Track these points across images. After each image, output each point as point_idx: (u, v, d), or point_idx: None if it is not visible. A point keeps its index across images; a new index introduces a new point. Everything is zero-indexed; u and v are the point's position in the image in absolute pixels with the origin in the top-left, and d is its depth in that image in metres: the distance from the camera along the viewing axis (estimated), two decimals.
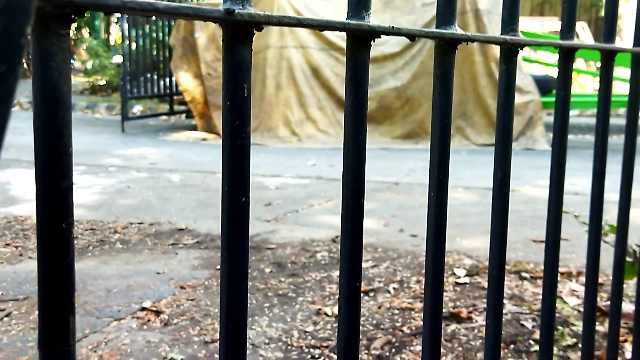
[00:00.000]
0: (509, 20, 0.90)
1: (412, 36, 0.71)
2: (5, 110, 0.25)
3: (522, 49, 0.92)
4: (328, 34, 7.36)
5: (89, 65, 12.19)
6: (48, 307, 0.42)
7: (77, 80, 13.33)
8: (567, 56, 1.05)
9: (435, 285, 0.81)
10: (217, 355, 2.09)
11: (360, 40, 0.65)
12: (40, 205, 0.42)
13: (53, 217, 0.41)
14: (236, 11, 0.50)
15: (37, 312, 1.96)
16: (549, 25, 13.24)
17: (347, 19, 0.64)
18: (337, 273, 2.85)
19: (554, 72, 9.60)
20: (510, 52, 0.89)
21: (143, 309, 2.44)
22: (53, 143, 0.41)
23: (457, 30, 0.76)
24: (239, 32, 0.52)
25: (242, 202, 0.54)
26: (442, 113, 0.79)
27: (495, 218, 0.95)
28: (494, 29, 7.21)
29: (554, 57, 10.33)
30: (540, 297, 2.57)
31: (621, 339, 2.19)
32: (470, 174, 5.25)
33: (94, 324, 2.31)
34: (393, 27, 0.66)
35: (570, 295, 2.60)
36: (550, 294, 1.16)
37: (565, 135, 1.09)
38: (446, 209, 0.83)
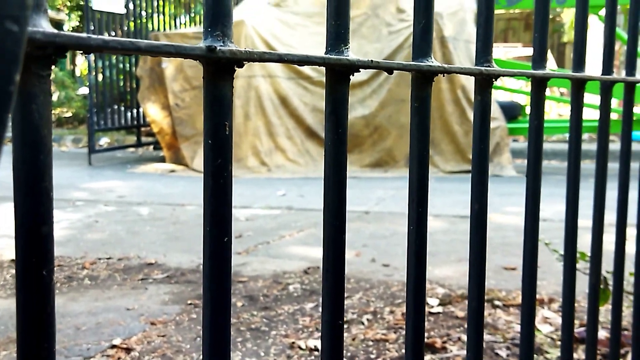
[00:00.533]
0: (483, 52, 0.90)
1: (390, 70, 0.71)
2: None
3: (496, 80, 0.93)
4: None
5: (54, 97, 12.09)
6: (29, 357, 0.40)
7: None
8: (539, 85, 1.06)
9: (416, 318, 0.80)
10: None
11: (339, 75, 0.65)
12: (20, 251, 0.40)
13: (33, 263, 0.40)
14: (218, 48, 0.50)
15: (8, 350, 1.90)
16: (513, 51, 13.46)
17: (326, 53, 0.64)
18: (310, 305, 2.83)
19: (519, 98, 9.74)
20: (485, 82, 0.90)
21: (113, 346, 2.40)
22: (34, 187, 0.39)
23: (433, 62, 0.77)
24: (220, 69, 0.51)
25: (225, 242, 0.53)
26: (420, 145, 0.79)
27: (473, 249, 0.95)
28: (459, 55, 7.31)
29: (518, 83, 10.49)
30: (514, 325, 2.58)
31: None
32: (440, 202, 5.28)
33: None
34: (372, 60, 0.66)
35: (543, 323, 2.61)
36: (528, 322, 1.16)
37: (539, 164, 1.10)
38: (426, 242, 0.83)
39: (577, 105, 1.21)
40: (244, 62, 0.52)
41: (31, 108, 0.39)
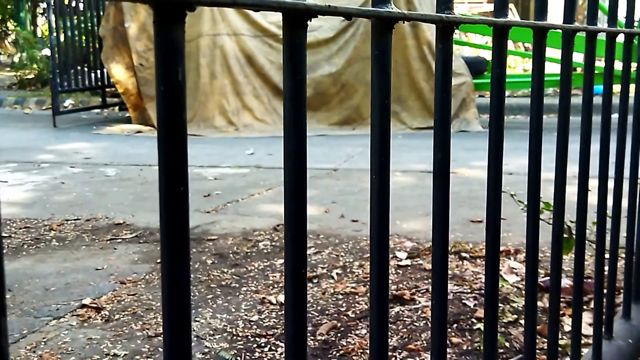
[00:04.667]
0: None
1: (349, 15, 0.69)
2: None
3: (457, 28, 0.91)
4: (261, 20, 7.30)
5: (16, 58, 11.83)
6: None
7: (4, 75, 12.94)
8: (501, 34, 1.05)
9: (380, 268, 0.80)
10: (161, 349, 2.05)
11: (296, 20, 0.63)
12: None
13: None
14: None
15: None
16: (478, 7, 13.44)
17: None
18: (281, 261, 2.84)
19: (484, 54, 9.75)
20: (446, 30, 0.89)
21: (83, 306, 2.38)
22: None
23: (393, 8, 0.75)
24: (170, 13, 0.50)
25: (181, 191, 0.52)
26: (382, 94, 0.77)
27: (437, 198, 0.95)
28: (424, 10, 7.27)
29: (484, 39, 10.49)
30: (481, 276, 2.61)
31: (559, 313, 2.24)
32: (407, 158, 5.29)
33: (32, 323, 2.24)
34: (329, 5, 0.64)
35: (510, 273, 2.64)
36: (492, 272, 1.16)
37: (501, 114, 1.10)
38: (389, 191, 0.82)
39: (539, 54, 1.20)
40: (195, 6, 0.50)
41: None
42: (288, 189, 0.68)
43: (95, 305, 2.38)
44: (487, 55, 9.95)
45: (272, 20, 7.32)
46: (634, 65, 1.75)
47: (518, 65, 12.23)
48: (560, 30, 1.30)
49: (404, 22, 0.78)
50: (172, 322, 0.53)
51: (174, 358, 0.54)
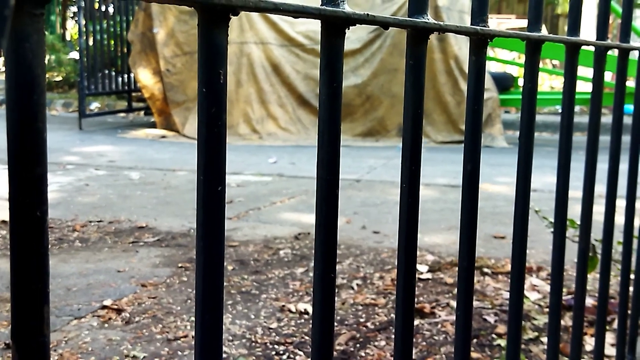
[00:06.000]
0: (479, 12, 0.90)
1: (386, 25, 0.70)
2: None
3: (491, 40, 0.92)
4: (289, 29, 7.34)
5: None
6: (22, 297, 0.40)
7: None
8: (534, 49, 1.06)
9: (407, 278, 0.81)
10: (180, 353, 2.06)
11: (335, 28, 0.64)
12: (13, 192, 0.40)
13: (27, 204, 0.40)
14: None
15: (6, 309, 1.90)
16: (507, 22, 13.40)
17: (322, 5, 0.63)
18: (301, 270, 2.84)
19: (511, 70, 9.72)
20: (480, 43, 0.89)
21: (104, 307, 2.40)
22: (27, 127, 0.39)
23: (429, 19, 0.76)
24: (215, 17, 0.51)
25: (219, 191, 0.53)
26: (415, 103, 0.78)
27: (465, 209, 0.95)
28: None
29: (511, 55, 10.46)
30: (502, 292, 2.60)
31: None
32: (430, 171, 5.29)
33: (53, 322, 2.26)
34: (368, 14, 0.65)
35: (531, 290, 2.63)
36: (517, 288, 1.16)
37: (532, 129, 1.10)
38: (418, 200, 0.83)
39: (570, 70, 1.20)
40: (239, 10, 0.52)
41: (24, 46, 0.38)
42: (320, 193, 0.69)
43: (116, 307, 2.40)
44: (514, 71, 9.93)
45: (300, 30, 7.36)
46: None
47: (545, 82, 12.18)
48: (593, 47, 1.30)
49: (438, 34, 0.79)
50: (204, 320, 0.54)
51: (206, 357, 0.55)
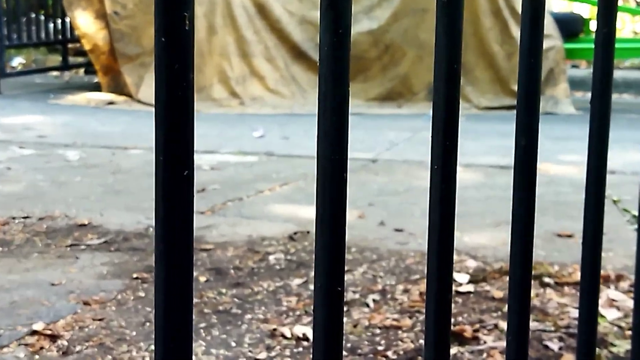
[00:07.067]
0: None
1: None
2: None
3: None
4: None
5: None
6: None
7: None
8: None
9: (441, 288, 0.81)
10: None
11: None
12: None
13: None
14: None
15: None
16: None
17: None
18: (298, 281, 2.85)
19: (580, 9, 9.68)
20: None
21: (34, 332, 2.41)
22: None
23: None
24: None
25: (185, 177, 0.53)
26: (450, 56, 0.78)
27: (518, 198, 0.95)
28: None
29: None
30: (569, 309, 2.61)
31: None
32: (472, 147, 5.28)
33: None
34: None
35: (608, 307, 2.64)
36: (589, 305, 1.16)
37: (609, 89, 1.10)
38: (455, 186, 0.83)
39: None
40: None
41: None
42: (322, 180, 0.69)
43: (49, 332, 2.41)
44: (584, 11, 9.90)
45: None
46: None
47: (625, 26, 12.14)
48: None
49: None
50: (167, 350, 0.54)
51: None
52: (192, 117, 0.53)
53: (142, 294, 2.75)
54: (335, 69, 0.65)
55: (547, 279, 2.87)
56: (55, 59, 9.51)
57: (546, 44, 7.37)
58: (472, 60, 7.36)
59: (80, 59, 9.25)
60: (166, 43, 0.52)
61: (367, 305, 2.67)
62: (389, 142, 5.69)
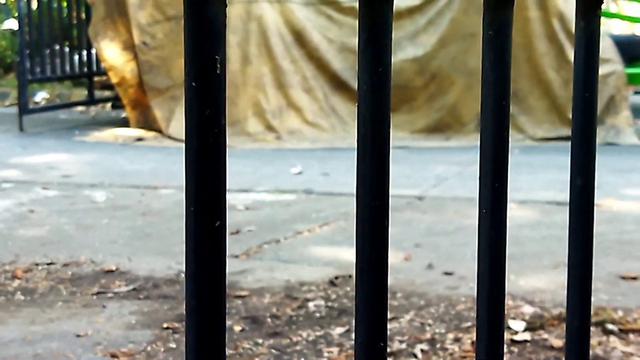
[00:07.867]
0: None
1: None
2: None
3: None
4: None
5: None
6: None
7: None
8: None
9: (492, 338, 0.81)
10: None
11: None
12: None
13: None
14: None
15: None
16: None
17: None
18: (339, 330, 2.84)
19: None
20: (591, 1, 0.90)
21: None
22: None
23: None
24: None
25: (216, 228, 0.54)
26: (497, 92, 0.79)
27: (574, 239, 0.95)
28: None
29: None
30: (634, 358, 2.58)
31: None
32: (527, 182, 5.25)
33: None
34: None
35: None
36: None
37: None
38: (505, 232, 0.83)
39: None
40: None
41: None
42: (361, 227, 0.70)
43: None
44: None
45: None
46: None
47: None
48: None
49: None
50: None
51: None
52: (224, 164, 0.54)
53: (173, 345, 2.75)
54: (375, 110, 0.65)
55: (610, 326, 2.84)
56: (81, 93, 9.57)
57: (606, 69, 7.37)
58: (525, 88, 7.33)
59: (107, 93, 9.31)
60: (197, 89, 0.53)
61: (415, 356, 2.65)
62: (437, 177, 5.67)
